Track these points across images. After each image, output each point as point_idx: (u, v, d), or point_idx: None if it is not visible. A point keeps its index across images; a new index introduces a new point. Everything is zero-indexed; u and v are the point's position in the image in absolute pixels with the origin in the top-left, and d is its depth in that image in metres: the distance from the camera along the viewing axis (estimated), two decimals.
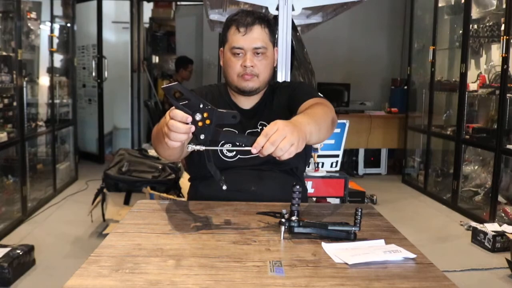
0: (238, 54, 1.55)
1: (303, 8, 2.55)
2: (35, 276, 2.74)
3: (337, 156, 2.69)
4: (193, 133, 1.09)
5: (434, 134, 4.88)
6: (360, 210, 1.15)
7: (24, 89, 3.83)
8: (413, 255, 1.05)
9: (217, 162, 1.53)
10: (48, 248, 3.10)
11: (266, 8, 2.43)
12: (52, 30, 4.61)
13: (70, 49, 5.16)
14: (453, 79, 4.58)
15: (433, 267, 1.01)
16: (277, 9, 2.36)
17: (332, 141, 2.65)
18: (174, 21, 7.16)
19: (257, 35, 1.54)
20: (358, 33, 6.07)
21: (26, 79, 3.92)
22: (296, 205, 1.16)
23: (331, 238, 1.15)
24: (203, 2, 3.12)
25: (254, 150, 1.11)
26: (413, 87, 5.43)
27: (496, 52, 4.02)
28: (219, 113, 1.08)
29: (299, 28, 2.96)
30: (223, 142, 1.08)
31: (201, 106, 1.06)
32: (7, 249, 2.71)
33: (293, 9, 2.37)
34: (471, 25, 4.15)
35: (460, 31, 4.32)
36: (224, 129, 1.57)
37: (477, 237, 3.36)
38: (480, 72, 4.22)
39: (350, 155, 5.81)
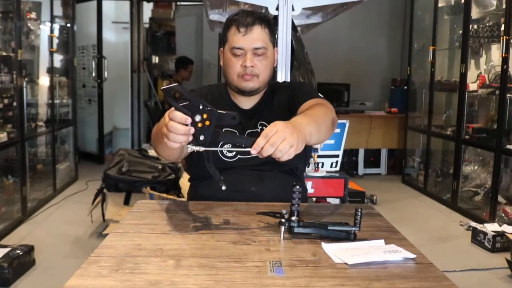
0: (238, 54, 1.55)
1: (303, 8, 2.55)
2: (35, 276, 2.74)
3: (337, 156, 2.69)
4: (192, 134, 1.09)
5: (434, 134, 4.88)
6: (360, 210, 1.15)
7: (24, 89, 3.83)
8: (413, 255, 1.05)
9: (217, 162, 1.54)
10: (48, 248, 3.10)
11: (266, 8, 2.43)
12: (52, 30, 4.61)
13: (70, 49, 5.16)
14: (453, 79, 4.58)
15: (433, 267, 1.01)
16: (277, 9, 2.36)
17: (332, 141, 2.65)
18: (174, 21, 7.16)
19: (257, 35, 1.54)
20: (358, 33, 6.07)
21: (26, 79, 3.92)
22: (296, 205, 1.16)
23: (331, 238, 1.15)
24: (203, 2, 3.12)
25: (253, 151, 1.11)
26: (413, 87, 5.43)
27: (496, 52, 4.02)
28: (218, 114, 1.08)
29: (299, 28, 2.96)
30: (222, 142, 1.08)
31: (200, 107, 1.06)
32: (7, 249, 2.71)
33: (293, 9, 2.37)
34: (471, 25, 4.15)
35: (460, 31, 4.33)
36: (224, 129, 1.58)
37: (477, 237, 3.36)
38: (480, 72, 4.22)
39: (350, 155, 5.81)
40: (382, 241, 1.14)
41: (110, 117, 6.38)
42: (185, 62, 5.65)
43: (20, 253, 2.70)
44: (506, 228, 3.31)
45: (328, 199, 2.70)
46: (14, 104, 3.62)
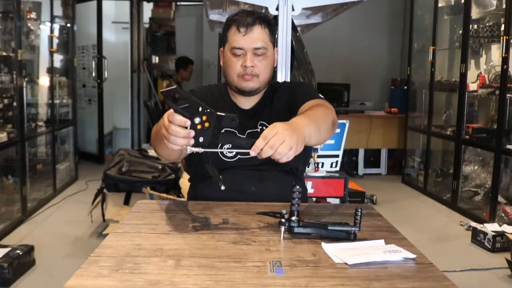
0: (239, 54, 1.55)
1: (303, 8, 2.55)
2: (35, 276, 2.74)
3: (337, 156, 2.69)
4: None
5: (434, 134, 4.88)
6: (360, 210, 1.15)
7: (24, 89, 3.83)
8: (413, 255, 1.05)
9: (217, 162, 1.54)
10: (48, 248, 3.10)
11: (266, 8, 2.43)
12: (52, 30, 4.61)
13: (70, 49, 5.16)
14: (453, 79, 4.58)
15: (433, 267, 1.01)
16: (277, 9, 2.36)
17: (332, 141, 2.65)
18: (174, 21, 7.16)
19: (257, 35, 1.54)
20: (358, 33, 6.07)
21: (26, 79, 3.92)
22: (296, 205, 1.16)
23: (331, 238, 1.15)
24: (203, 2, 3.12)
25: (252, 152, 1.12)
26: (413, 87, 5.43)
27: (496, 52, 4.02)
28: (218, 116, 1.08)
29: (299, 28, 2.96)
30: (222, 144, 1.08)
31: (200, 109, 1.06)
32: (7, 249, 2.71)
33: (293, 9, 2.37)
34: (471, 25, 4.15)
35: (460, 31, 4.32)
36: (223, 129, 1.58)
37: (477, 237, 3.36)
38: (480, 72, 4.22)
39: (350, 155, 5.81)
40: (382, 241, 1.14)
41: (110, 117, 6.38)
42: (185, 62, 5.65)
43: (20, 253, 2.70)
44: (506, 228, 3.31)
45: (328, 199, 2.70)
46: (14, 104, 3.62)
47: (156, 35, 7.78)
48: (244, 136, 1.59)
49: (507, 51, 3.53)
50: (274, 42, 1.63)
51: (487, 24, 4.03)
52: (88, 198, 3.79)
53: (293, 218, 1.16)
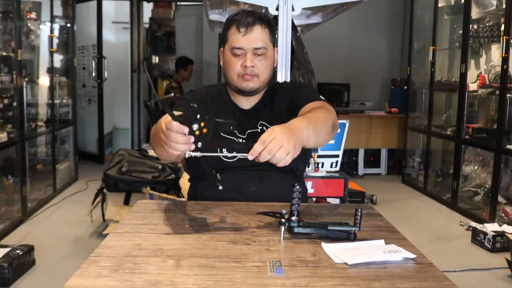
0: (239, 54, 1.55)
1: (303, 8, 2.55)
2: (35, 276, 2.74)
3: (337, 156, 2.69)
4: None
5: (434, 134, 4.88)
6: (360, 210, 1.15)
7: (24, 89, 3.83)
8: (413, 255, 1.05)
9: (217, 163, 1.54)
10: (48, 248, 3.10)
11: (266, 8, 2.43)
12: (52, 30, 4.61)
13: (70, 49, 5.16)
14: (453, 79, 4.58)
15: (433, 267, 1.01)
16: (277, 9, 2.36)
17: (332, 141, 2.64)
18: (174, 21, 7.16)
19: (258, 35, 1.54)
20: (358, 33, 6.07)
21: (26, 79, 3.92)
22: (296, 205, 1.16)
23: (331, 238, 1.15)
24: (203, 2, 3.12)
25: (250, 157, 1.12)
26: (413, 87, 5.43)
27: (496, 52, 4.02)
28: (216, 123, 1.08)
29: (299, 28, 2.96)
30: (220, 148, 1.09)
31: (198, 116, 1.06)
32: (7, 249, 2.71)
33: (293, 9, 2.37)
34: (471, 25, 4.15)
35: (460, 31, 4.32)
36: (224, 129, 1.58)
37: (477, 237, 3.36)
38: (480, 72, 4.22)
39: (350, 155, 5.81)
40: (382, 241, 1.14)
41: (110, 117, 6.38)
42: (185, 62, 5.65)
43: (20, 253, 2.70)
44: (506, 228, 3.31)
45: (328, 199, 2.70)
46: (14, 104, 3.62)
47: (156, 35, 7.78)
48: (245, 136, 1.59)
49: (507, 51, 3.53)
50: (274, 42, 1.63)
51: (487, 24, 4.03)
52: (88, 198, 3.79)
53: (293, 218, 1.16)
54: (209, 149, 1.11)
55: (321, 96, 1.59)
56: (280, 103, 1.63)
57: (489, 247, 3.23)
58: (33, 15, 4.18)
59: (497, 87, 3.78)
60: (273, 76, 1.98)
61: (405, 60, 5.85)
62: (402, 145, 5.62)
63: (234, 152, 1.13)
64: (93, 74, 5.97)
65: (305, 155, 1.69)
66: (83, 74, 6.16)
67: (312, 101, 1.52)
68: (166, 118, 1.08)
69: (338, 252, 1.06)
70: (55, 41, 4.73)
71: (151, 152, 3.65)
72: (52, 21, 4.59)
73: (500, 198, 3.71)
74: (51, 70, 4.59)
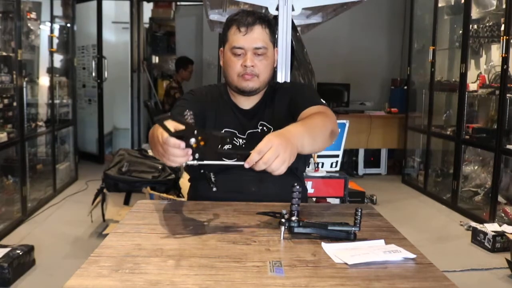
0: (239, 54, 1.54)
1: (303, 8, 2.55)
2: (35, 276, 2.74)
3: (337, 156, 2.69)
4: None
5: (434, 134, 4.88)
6: (360, 210, 1.15)
7: (24, 89, 3.82)
8: (413, 255, 1.05)
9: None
10: (48, 248, 3.10)
11: (266, 8, 2.43)
12: (52, 30, 4.61)
13: (70, 49, 5.16)
14: (453, 79, 4.58)
15: (433, 267, 1.01)
16: (277, 9, 2.36)
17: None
18: (174, 21, 7.16)
19: (258, 35, 1.54)
20: (358, 33, 6.07)
21: (26, 79, 3.92)
22: (296, 205, 1.16)
23: (331, 238, 1.15)
24: (203, 2, 3.12)
25: (247, 165, 1.14)
26: (413, 87, 5.43)
27: (496, 52, 4.02)
28: (213, 137, 1.09)
29: (299, 28, 2.96)
30: (214, 155, 1.10)
31: (195, 132, 1.07)
32: (7, 249, 2.71)
33: (293, 9, 2.37)
34: (471, 25, 4.15)
35: (460, 31, 4.32)
36: (224, 129, 1.58)
37: (477, 237, 3.36)
38: (480, 72, 4.22)
39: (350, 155, 5.81)
40: (382, 241, 1.14)
41: (110, 117, 6.38)
42: (185, 62, 5.65)
43: (20, 253, 2.70)
44: (506, 228, 3.31)
45: (328, 199, 2.70)
46: (14, 104, 3.62)
47: (156, 35, 7.78)
48: (245, 136, 1.59)
49: (507, 51, 3.53)
50: (274, 42, 1.63)
51: (487, 24, 4.03)
52: (88, 198, 3.79)
53: (293, 218, 1.16)
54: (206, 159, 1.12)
55: (322, 100, 1.59)
56: (280, 103, 1.63)
57: (489, 247, 3.23)
58: (33, 15, 4.18)
59: (497, 87, 3.78)
60: (273, 76, 1.98)
61: (405, 60, 5.85)
62: (402, 145, 5.62)
63: (232, 161, 1.13)
64: (93, 74, 5.97)
65: (305, 155, 1.69)
66: (83, 74, 6.16)
67: (312, 105, 1.52)
68: (163, 133, 1.08)
69: (338, 252, 1.06)
70: (55, 41, 4.73)
71: (151, 152, 3.65)
72: (52, 21, 4.59)
73: (500, 198, 3.71)
74: (51, 70, 4.59)
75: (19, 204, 3.67)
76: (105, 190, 3.37)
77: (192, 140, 1.06)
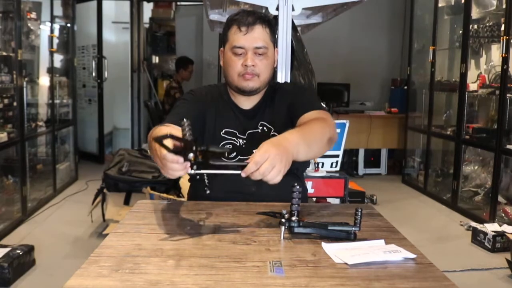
0: (239, 53, 1.54)
1: (303, 8, 2.55)
2: (35, 276, 2.74)
3: (337, 156, 2.69)
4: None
5: (434, 134, 4.88)
6: (360, 210, 1.15)
7: (24, 89, 3.82)
8: (413, 255, 1.05)
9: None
10: (48, 248, 3.10)
11: (266, 8, 2.43)
12: (52, 30, 4.61)
13: (70, 49, 5.16)
14: (453, 79, 4.58)
15: (433, 267, 1.01)
16: (277, 9, 2.36)
17: None
18: (174, 21, 7.16)
19: (258, 34, 1.54)
20: (358, 33, 6.07)
21: (26, 79, 3.92)
22: (296, 205, 1.16)
23: (331, 238, 1.15)
24: (203, 2, 3.12)
25: (243, 174, 1.16)
26: (413, 87, 5.43)
27: (496, 52, 4.02)
28: (211, 152, 1.10)
29: (299, 28, 2.96)
30: (212, 165, 1.12)
31: (194, 148, 1.08)
32: (7, 249, 2.71)
33: (293, 9, 2.37)
34: (471, 25, 4.15)
35: (460, 31, 4.32)
36: (224, 130, 1.58)
37: (477, 237, 3.36)
38: (480, 72, 4.22)
39: (350, 155, 5.81)
40: (382, 241, 1.14)
41: (110, 117, 6.38)
42: (185, 62, 5.65)
43: (20, 253, 2.70)
44: (506, 228, 3.31)
45: (328, 199, 2.70)
46: (14, 104, 3.62)
47: (156, 35, 7.78)
48: (245, 136, 1.59)
49: (507, 51, 3.53)
50: (275, 42, 1.63)
51: (487, 24, 4.03)
52: (88, 198, 3.79)
53: (293, 218, 1.16)
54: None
55: (322, 104, 1.59)
56: (280, 104, 1.63)
57: (489, 247, 3.23)
58: (33, 15, 4.18)
59: (497, 87, 3.78)
60: (273, 76, 1.98)
61: (405, 60, 5.85)
62: (402, 145, 5.62)
63: (228, 170, 1.15)
64: (93, 74, 5.97)
65: None
66: (83, 74, 6.16)
67: (312, 109, 1.52)
68: (161, 148, 1.09)
69: (338, 252, 1.06)
70: (55, 41, 4.73)
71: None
72: (52, 21, 4.59)
73: (500, 198, 3.71)
74: (51, 70, 4.59)
75: (19, 204, 3.67)
76: (105, 190, 3.37)
77: (191, 155, 1.08)
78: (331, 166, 2.69)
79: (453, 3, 4.63)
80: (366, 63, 6.04)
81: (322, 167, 2.64)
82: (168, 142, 1.07)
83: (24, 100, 3.80)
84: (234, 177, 1.50)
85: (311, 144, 1.33)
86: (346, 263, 1.00)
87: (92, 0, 5.96)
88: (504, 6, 3.64)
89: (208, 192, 1.15)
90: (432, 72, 4.79)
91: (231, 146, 1.58)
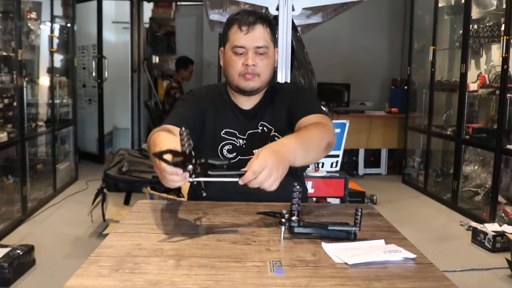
0: (240, 52, 1.54)
1: (303, 8, 2.55)
2: (35, 276, 2.74)
3: (337, 156, 2.69)
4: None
5: (434, 134, 4.88)
6: (360, 210, 1.15)
7: (24, 89, 3.82)
8: (413, 255, 1.05)
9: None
10: (48, 248, 3.10)
11: (266, 8, 2.43)
12: (52, 30, 4.61)
13: (70, 49, 5.16)
14: (453, 79, 4.58)
15: (433, 267, 1.01)
16: (277, 9, 2.36)
17: None
18: (174, 21, 7.16)
19: (259, 34, 1.54)
20: (358, 33, 6.07)
21: (26, 79, 3.92)
22: (296, 205, 1.16)
23: (331, 238, 1.15)
24: (203, 2, 3.12)
25: (241, 182, 1.17)
26: (413, 87, 5.43)
27: (496, 52, 4.02)
28: (210, 165, 1.12)
29: (299, 28, 2.96)
30: (211, 175, 1.13)
31: (193, 161, 1.10)
32: (7, 249, 2.71)
33: (293, 9, 2.37)
34: (471, 25, 4.15)
35: (460, 31, 4.32)
36: (224, 130, 1.58)
37: (477, 237, 3.36)
38: (480, 72, 4.22)
39: (350, 155, 5.81)
40: (382, 241, 1.14)
41: (110, 117, 6.38)
42: (186, 62, 5.65)
43: (20, 253, 2.70)
44: (506, 228, 3.31)
45: (328, 199, 2.70)
46: (14, 104, 3.62)
47: (156, 35, 7.78)
48: (245, 137, 1.59)
49: (507, 51, 3.53)
50: (275, 42, 1.63)
51: (487, 24, 4.03)
52: (88, 198, 3.79)
53: (293, 218, 1.16)
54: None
55: (322, 107, 1.59)
56: (280, 104, 1.63)
57: (489, 247, 3.23)
58: (33, 15, 4.18)
59: (497, 87, 3.78)
60: (274, 76, 1.98)
61: (405, 60, 5.85)
62: (402, 145, 5.62)
63: (225, 178, 1.16)
64: (93, 74, 5.97)
65: None
66: (83, 74, 6.16)
67: (312, 113, 1.52)
68: (160, 163, 1.11)
69: (338, 252, 1.06)
70: (55, 41, 4.73)
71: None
72: (52, 21, 4.59)
73: (500, 198, 3.71)
74: (51, 70, 4.60)
75: (19, 204, 3.67)
76: (105, 190, 3.37)
77: (190, 167, 1.09)
78: (331, 166, 2.69)
79: (453, 3, 4.63)
80: (366, 63, 6.04)
81: (322, 167, 2.64)
82: (168, 156, 1.09)
83: (24, 100, 3.80)
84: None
85: (309, 150, 1.35)
86: (346, 263, 1.00)
87: (92, 0, 5.96)
88: (504, 6, 3.64)
89: (204, 195, 1.16)
90: (432, 72, 4.79)
91: (231, 146, 1.58)
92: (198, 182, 1.15)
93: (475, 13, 4.14)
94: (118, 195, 3.35)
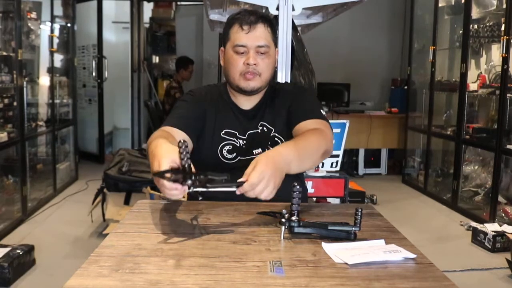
0: (241, 52, 1.54)
1: (303, 8, 2.55)
2: (35, 276, 2.74)
3: (337, 156, 2.69)
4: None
5: (434, 134, 4.88)
6: (360, 210, 1.15)
7: (24, 89, 3.83)
8: (413, 255, 1.05)
9: (218, 164, 1.54)
10: (48, 248, 3.10)
11: (267, 8, 2.43)
12: (52, 30, 4.61)
13: (70, 49, 5.16)
14: (453, 79, 4.58)
15: (433, 267, 1.01)
16: (277, 9, 2.36)
17: (333, 141, 2.64)
18: (174, 21, 7.16)
19: (260, 33, 1.54)
20: (358, 33, 6.07)
21: (26, 79, 3.92)
22: (296, 205, 1.16)
23: (331, 238, 1.15)
24: (203, 2, 3.12)
25: (238, 192, 1.19)
26: (413, 87, 5.43)
27: (496, 52, 4.02)
28: (211, 180, 1.13)
29: (299, 28, 2.96)
30: (209, 185, 1.14)
31: (192, 178, 1.11)
32: (7, 249, 2.71)
33: (293, 9, 2.37)
34: (471, 25, 4.15)
35: (460, 31, 4.32)
36: (224, 130, 1.58)
37: (477, 237, 3.36)
38: (480, 72, 4.22)
39: (350, 155, 5.81)
40: (382, 241, 1.14)
41: (110, 117, 6.38)
42: (186, 62, 5.64)
43: (20, 253, 2.70)
44: (506, 228, 3.31)
45: (328, 199, 2.70)
46: (15, 104, 3.62)
47: (156, 35, 7.78)
48: (245, 137, 1.59)
49: (507, 51, 3.53)
50: (276, 42, 1.63)
51: (488, 24, 4.03)
52: (88, 198, 3.79)
53: (293, 218, 1.16)
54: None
55: (322, 111, 1.58)
56: (280, 104, 1.62)
57: (489, 247, 3.23)
58: (33, 15, 4.18)
59: (497, 87, 3.78)
60: (274, 76, 1.97)
61: (405, 60, 5.85)
62: (402, 145, 5.62)
63: (225, 188, 1.19)
64: (93, 74, 5.97)
65: None
66: (83, 74, 6.16)
67: (311, 118, 1.52)
68: (159, 179, 1.12)
69: (338, 252, 1.06)
70: (56, 41, 4.73)
71: None
72: (52, 21, 4.59)
73: (500, 198, 3.71)
74: (51, 70, 4.60)
75: (19, 203, 3.67)
76: (105, 190, 3.37)
77: (189, 182, 1.10)
78: (331, 166, 2.68)
79: (453, 3, 4.63)
80: (366, 63, 6.04)
81: (322, 167, 2.64)
82: (167, 174, 1.10)
83: (24, 100, 3.80)
84: (234, 177, 1.51)
85: (305, 159, 1.37)
86: (346, 263, 1.00)
87: (92, 0, 5.96)
88: (504, 6, 3.64)
89: (200, 198, 1.16)
90: (432, 72, 4.79)
91: (231, 146, 1.58)
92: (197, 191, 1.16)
93: (475, 13, 4.14)
94: (118, 195, 3.36)
